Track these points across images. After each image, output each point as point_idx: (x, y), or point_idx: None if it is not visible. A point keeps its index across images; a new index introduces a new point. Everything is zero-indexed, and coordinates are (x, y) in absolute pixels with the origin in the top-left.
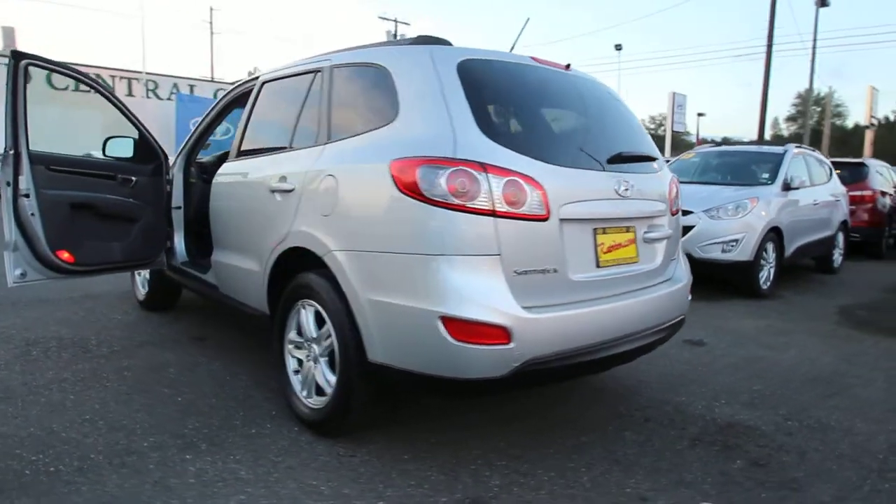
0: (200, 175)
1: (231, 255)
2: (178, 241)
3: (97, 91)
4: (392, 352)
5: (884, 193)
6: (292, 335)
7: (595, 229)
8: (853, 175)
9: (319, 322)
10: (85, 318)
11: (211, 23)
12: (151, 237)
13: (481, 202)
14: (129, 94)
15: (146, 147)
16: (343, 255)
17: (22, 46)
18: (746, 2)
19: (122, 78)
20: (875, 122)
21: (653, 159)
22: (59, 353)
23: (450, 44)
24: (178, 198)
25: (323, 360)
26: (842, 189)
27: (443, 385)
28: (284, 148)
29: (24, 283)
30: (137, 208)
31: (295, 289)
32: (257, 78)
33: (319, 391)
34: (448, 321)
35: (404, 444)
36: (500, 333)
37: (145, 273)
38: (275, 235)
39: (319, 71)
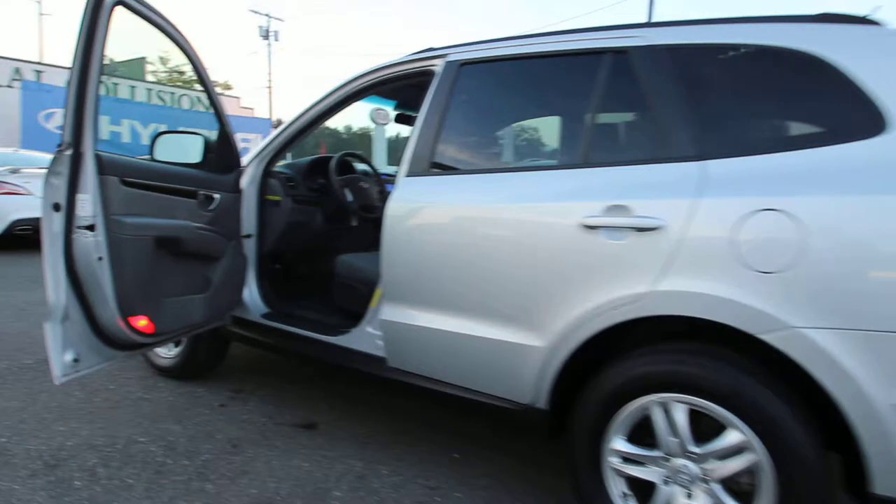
0: (288, 191)
1: (443, 317)
2: (251, 285)
3: (191, 61)
4: None
5: None
6: (619, 444)
7: None
8: None
9: (698, 426)
10: (87, 402)
11: (40, 2)
12: (234, 281)
13: None
14: None
15: (226, 149)
16: (830, 335)
17: None
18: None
19: None
20: None
21: None
22: (118, 474)
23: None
24: (249, 222)
25: (716, 487)
26: None
27: None
28: (565, 162)
29: (76, 374)
30: (221, 240)
31: (642, 377)
32: (434, 57)
33: None
34: None
35: None
36: None
37: None
38: (597, 295)
39: (622, 52)
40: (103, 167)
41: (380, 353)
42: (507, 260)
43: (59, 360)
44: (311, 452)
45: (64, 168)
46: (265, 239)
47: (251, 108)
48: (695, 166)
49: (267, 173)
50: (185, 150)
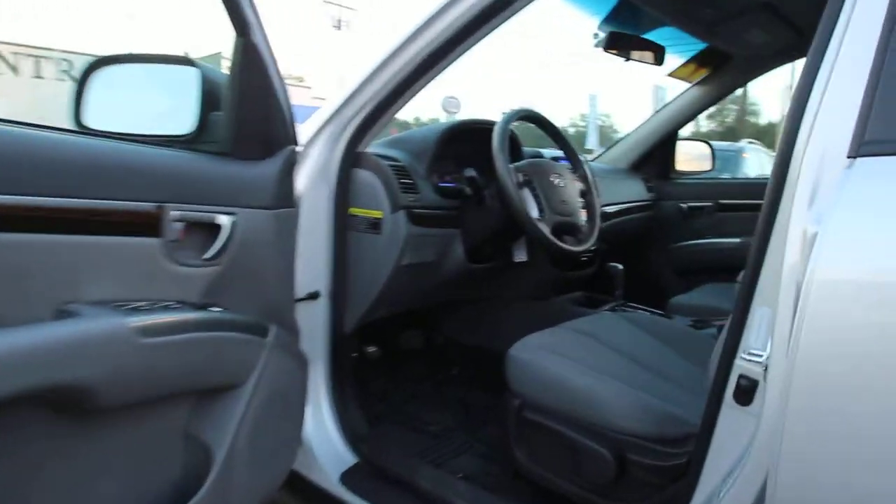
0: (400, 198)
1: None
2: (318, 402)
3: None
4: None
5: None
6: None
7: None
8: None
9: None
10: None
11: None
12: (281, 430)
13: None
14: (38, 75)
15: (261, 102)
16: None
17: None
18: None
19: (27, 56)
20: None
21: None
22: None
23: None
24: (314, 268)
25: None
26: None
27: None
28: None
29: None
30: (243, 339)
31: None
32: None
33: None
34: None
35: None
36: None
37: None
38: None
39: None
40: None
41: None
42: None
43: None
44: None
45: None
46: (350, 300)
47: (324, 99)
48: None
49: (355, 159)
50: (167, 108)
